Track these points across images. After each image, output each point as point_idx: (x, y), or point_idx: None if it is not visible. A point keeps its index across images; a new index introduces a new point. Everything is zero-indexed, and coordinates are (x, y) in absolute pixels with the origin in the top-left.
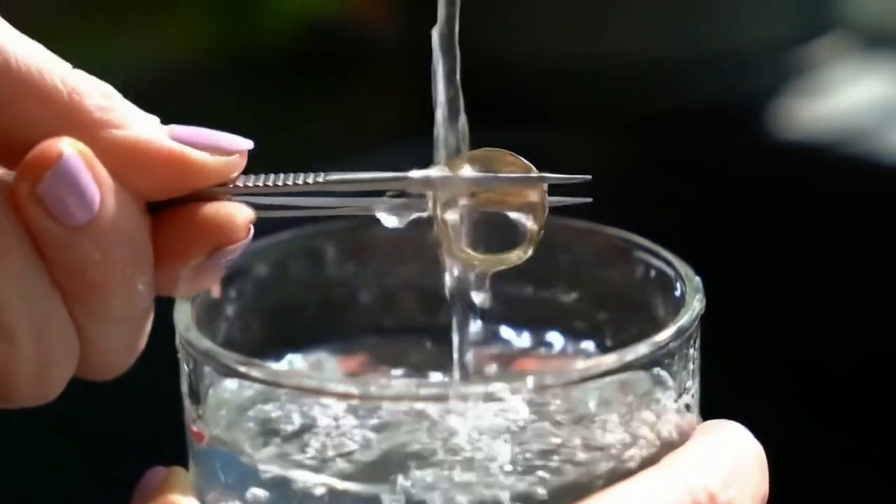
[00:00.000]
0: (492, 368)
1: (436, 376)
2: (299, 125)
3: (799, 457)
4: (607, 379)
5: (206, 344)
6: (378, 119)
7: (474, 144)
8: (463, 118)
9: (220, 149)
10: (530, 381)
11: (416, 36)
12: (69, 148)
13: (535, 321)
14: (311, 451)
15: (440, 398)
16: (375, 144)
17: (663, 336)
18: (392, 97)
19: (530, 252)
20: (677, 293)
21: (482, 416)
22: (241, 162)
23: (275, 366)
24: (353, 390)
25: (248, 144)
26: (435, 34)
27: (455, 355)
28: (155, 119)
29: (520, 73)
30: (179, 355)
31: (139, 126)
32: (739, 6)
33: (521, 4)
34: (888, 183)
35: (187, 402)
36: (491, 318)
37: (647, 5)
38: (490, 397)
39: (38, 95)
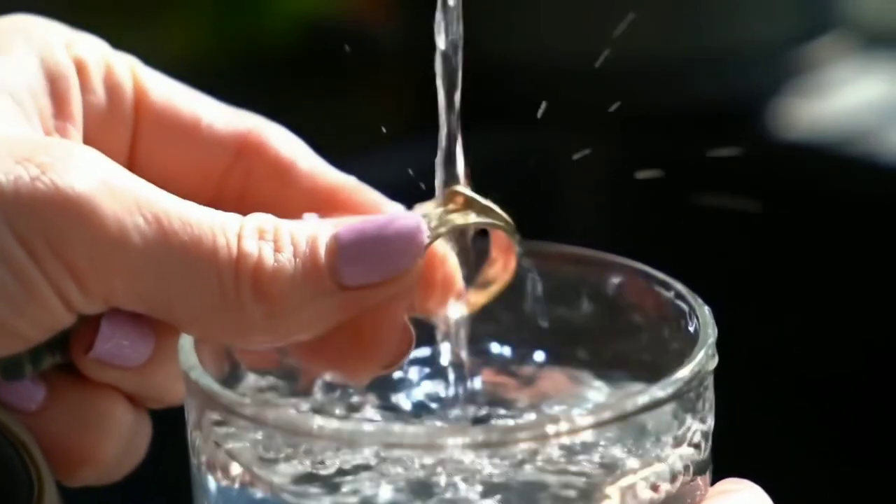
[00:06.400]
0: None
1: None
2: (299, 125)
3: (800, 457)
4: (617, 424)
5: (211, 385)
6: (378, 119)
7: (476, 144)
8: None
9: (388, 252)
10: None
11: (416, 36)
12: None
13: (531, 347)
14: (323, 490)
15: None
16: (375, 144)
17: (681, 374)
18: (392, 97)
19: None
20: (691, 328)
21: (509, 458)
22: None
23: (284, 409)
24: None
25: (420, 242)
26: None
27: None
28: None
29: (520, 73)
30: (186, 392)
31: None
32: (739, 6)
33: (521, 5)
34: (888, 183)
35: (194, 439)
36: (483, 342)
37: (647, 5)
38: (509, 440)
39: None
